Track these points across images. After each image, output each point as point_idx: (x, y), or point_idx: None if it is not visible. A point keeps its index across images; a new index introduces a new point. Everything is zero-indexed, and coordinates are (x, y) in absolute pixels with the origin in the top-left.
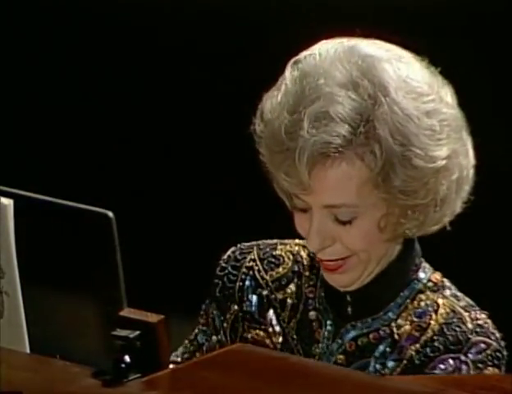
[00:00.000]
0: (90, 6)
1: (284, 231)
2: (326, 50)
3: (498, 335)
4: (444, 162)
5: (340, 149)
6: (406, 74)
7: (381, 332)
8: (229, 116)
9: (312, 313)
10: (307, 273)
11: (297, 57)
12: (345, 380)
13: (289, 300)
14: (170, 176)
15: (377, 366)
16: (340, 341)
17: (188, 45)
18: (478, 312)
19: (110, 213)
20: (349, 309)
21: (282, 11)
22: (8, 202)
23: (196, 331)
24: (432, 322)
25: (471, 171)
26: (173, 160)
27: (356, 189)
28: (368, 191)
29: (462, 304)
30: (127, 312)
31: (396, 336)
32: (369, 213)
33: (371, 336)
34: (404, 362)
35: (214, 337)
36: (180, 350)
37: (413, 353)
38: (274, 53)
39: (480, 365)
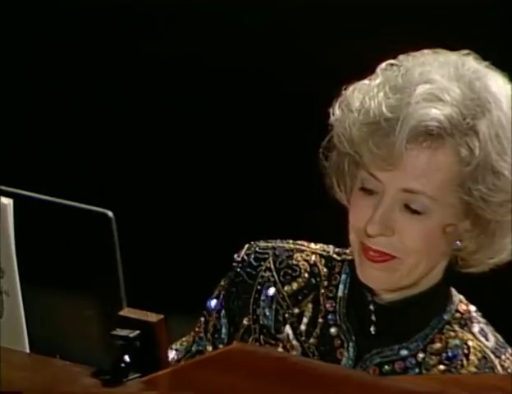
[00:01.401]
0: (88, 6)
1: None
2: (426, 54)
3: None
4: None
5: (444, 133)
6: None
7: (407, 363)
8: (229, 114)
9: (333, 330)
10: (325, 284)
11: (389, 61)
12: (347, 380)
13: (306, 314)
14: (168, 176)
15: None
16: (363, 365)
17: (192, 48)
18: (508, 354)
19: (110, 213)
20: (372, 329)
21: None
22: (8, 202)
23: (191, 339)
24: (464, 370)
25: None
26: (172, 161)
27: (442, 182)
28: (452, 189)
29: (491, 345)
30: (127, 312)
31: (424, 369)
32: (442, 213)
33: (396, 365)
34: None
35: (210, 348)
36: (173, 354)
37: None
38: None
39: None
